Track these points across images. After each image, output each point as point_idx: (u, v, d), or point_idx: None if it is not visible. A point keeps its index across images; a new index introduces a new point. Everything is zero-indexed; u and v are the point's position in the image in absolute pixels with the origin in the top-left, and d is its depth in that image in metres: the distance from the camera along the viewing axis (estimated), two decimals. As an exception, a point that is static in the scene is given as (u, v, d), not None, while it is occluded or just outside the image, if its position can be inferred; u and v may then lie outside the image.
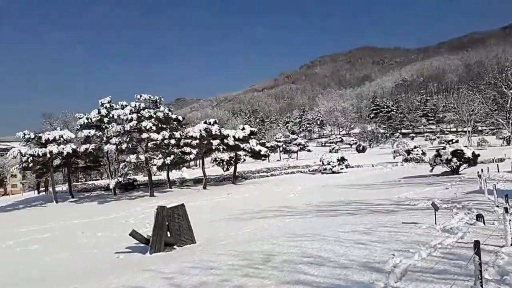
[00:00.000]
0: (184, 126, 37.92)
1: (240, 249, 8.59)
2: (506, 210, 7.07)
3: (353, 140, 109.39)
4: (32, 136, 32.76)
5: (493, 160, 41.53)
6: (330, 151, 77.66)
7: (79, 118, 34.59)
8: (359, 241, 8.01)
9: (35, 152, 31.19)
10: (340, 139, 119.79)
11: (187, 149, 32.12)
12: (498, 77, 55.61)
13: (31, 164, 31.96)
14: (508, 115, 53.81)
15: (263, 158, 41.90)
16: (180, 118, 36.08)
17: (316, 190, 26.99)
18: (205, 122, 35.76)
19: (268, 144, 76.30)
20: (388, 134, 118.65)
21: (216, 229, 13.82)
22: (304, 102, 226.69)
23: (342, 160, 43.69)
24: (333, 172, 41.93)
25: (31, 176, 54.01)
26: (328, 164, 42.62)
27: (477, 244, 4.38)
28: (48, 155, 31.65)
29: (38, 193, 46.82)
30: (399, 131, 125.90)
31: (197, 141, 32.86)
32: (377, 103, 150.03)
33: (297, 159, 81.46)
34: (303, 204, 18.36)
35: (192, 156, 33.65)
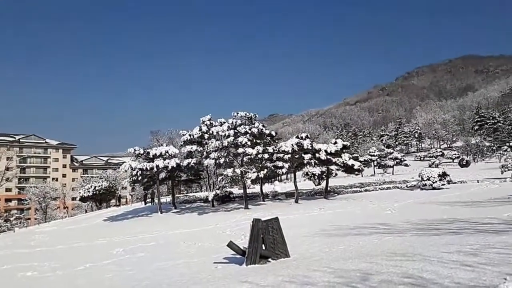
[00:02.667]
0: (276, 141, 38.71)
1: (335, 266, 8.49)
2: None
3: (455, 154, 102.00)
4: (141, 151, 35.91)
5: None
6: (429, 166, 73.45)
7: (183, 134, 37.33)
8: (465, 262, 7.52)
9: (144, 166, 34.08)
10: (440, 153, 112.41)
11: (280, 163, 32.67)
12: None
13: (139, 177, 34.89)
14: None
15: (356, 172, 40.90)
16: (273, 133, 36.89)
17: (414, 207, 25.66)
18: (297, 137, 36.04)
19: (361, 159, 74.40)
20: (494, 148, 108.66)
21: (309, 244, 13.79)
22: (400, 114, 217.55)
23: (443, 175, 41.01)
24: (434, 188, 39.53)
25: (139, 188, 58.65)
26: (428, 179, 40.27)
27: None
28: (155, 169, 34.35)
29: (145, 204, 50.46)
30: (507, 144, 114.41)
31: (289, 155, 33.24)
32: (482, 114, 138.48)
33: (393, 174, 78.19)
34: (401, 222, 17.57)
35: (284, 170, 34.09)
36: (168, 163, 34.36)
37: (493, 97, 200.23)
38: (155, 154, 35.31)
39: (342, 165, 37.01)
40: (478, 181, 46.07)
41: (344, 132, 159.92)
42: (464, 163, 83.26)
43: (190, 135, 36.34)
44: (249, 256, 10.97)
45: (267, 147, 33.09)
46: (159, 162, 34.19)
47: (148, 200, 51.28)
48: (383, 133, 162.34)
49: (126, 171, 35.85)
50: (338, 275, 7.54)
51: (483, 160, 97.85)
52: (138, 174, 34.05)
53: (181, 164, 35.21)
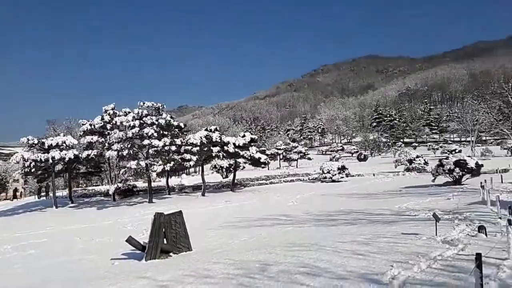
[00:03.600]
0: (185, 133, 37.90)
1: (236, 258, 8.47)
2: (509, 222, 6.91)
3: (354, 149, 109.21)
4: (36, 141, 32.80)
5: (497, 170, 41.26)
6: (330, 160, 77.65)
7: (83, 124, 34.68)
8: (357, 251, 7.86)
9: (38, 157, 31.17)
10: (341, 148, 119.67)
11: (187, 156, 32.00)
12: (504, 87, 55.59)
13: (33, 169, 31.92)
14: (513, 125, 53.87)
15: (262, 165, 41.69)
16: (182, 125, 36.06)
17: (315, 198, 26.80)
18: (206, 129, 35.67)
19: (268, 152, 76.25)
20: (390, 143, 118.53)
21: (213, 237, 13.65)
22: (305, 110, 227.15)
23: (342, 168, 43.49)
24: (333, 181, 41.74)
25: (33, 181, 53.84)
26: (328, 172, 42.42)
27: (479, 257, 4.23)
28: (50, 161, 31.62)
29: (39, 198, 46.67)
30: (401, 140, 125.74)
31: (198, 148, 32.74)
32: (380, 111, 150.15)
33: (297, 167, 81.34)
34: (302, 213, 18.18)
35: (192, 163, 33.51)
36: (65, 154, 31.80)
37: (391, 96, 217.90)
38: (51, 144, 32.51)
39: (249, 158, 37.40)
40: (374, 175, 49.57)
41: (253, 125, 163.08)
42: (362, 158, 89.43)
43: (91, 125, 33.89)
44: (149, 251, 10.51)
45: (175, 139, 32.20)
46: (55, 153, 31.51)
47: (42, 194, 47.43)
48: (289, 127, 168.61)
49: (18, 162, 32.51)
50: (238, 266, 7.52)
51: (380, 155, 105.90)
52: (32, 165, 31.11)
53: (80, 155, 32.80)
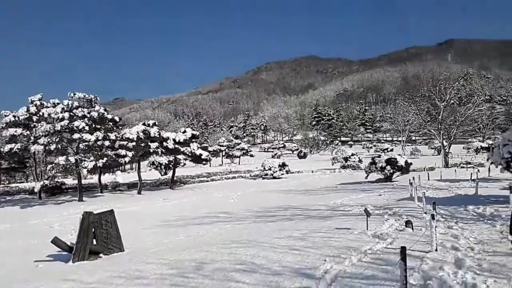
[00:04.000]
0: (121, 127, 36.41)
1: (171, 258, 8.24)
2: (432, 216, 7.26)
3: (295, 146, 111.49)
4: None
5: (424, 168, 43.74)
6: (272, 157, 78.49)
7: (5, 115, 32.03)
8: (293, 247, 7.93)
9: None
10: (282, 145, 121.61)
11: (123, 152, 30.65)
12: (432, 90, 59.37)
13: None
14: (439, 126, 57.46)
15: (204, 162, 41.26)
16: (117, 118, 34.53)
17: (256, 195, 26.94)
18: (144, 124, 34.52)
19: (210, 148, 75.93)
20: (328, 141, 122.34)
21: (149, 237, 13.22)
22: (249, 107, 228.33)
23: (283, 165, 44.15)
24: (274, 178, 42.25)
25: None
26: (270, 169, 42.90)
27: (403, 250, 4.36)
28: (-33, 155, 29.08)
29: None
30: (338, 138, 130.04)
31: (134, 143, 31.53)
32: (319, 111, 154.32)
33: (239, 164, 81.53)
34: (242, 210, 18.16)
35: (127, 159, 32.10)
36: (-18, 148, 29.36)
37: (330, 96, 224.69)
38: (-31, 137, 29.95)
39: (190, 154, 36.80)
40: (312, 172, 50.83)
41: (195, 121, 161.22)
42: (302, 155, 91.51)
43: (14, 116, 31.29)
44: (77, 252, 9.94)
45: (109, 134, 30.66)
46: (-27, 147, 29.08)
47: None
48: (232, 124, 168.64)
49: None
50: (172, 266, 7.31)
51: (319, 152, 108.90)
52: None
53: (2, 149, 30.43)
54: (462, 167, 47.45)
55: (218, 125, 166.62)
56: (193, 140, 37.88)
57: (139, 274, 6.96)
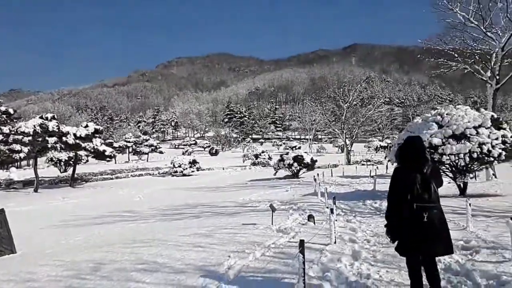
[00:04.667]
0: (15, 120, 33.40)
1: (67, 259, 7.64)
2: (331, 211, 7.61)
3: (207, 143, 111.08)
4: None
5: (328, 165, 46.22)
6: (183, 154, 77.52)
7: None
8: (198, 244, 7.81)
9: None
10: (194, 142, 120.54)
11: (17, 147, 28.17)
12: (336, 92, 63.01)
13: None
14: (343, 126, 61.17)
15: (108, 159, 39.26)
16: (11, 110, 31.74)
17: (164, 193, 26.34)
18: (41, 117, 31.96)
19: (116, 144, 72.55)
20: (240, 139, 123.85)
21: (45, 237, 12.23)
22: (159, 102, 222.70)
23: (193, 162, 43.76)
24: (184, 175, 41.72)
25: None
26: (179, 166, 42.26)
27: (301, 243, 4.48)
28: None
29: None
30: (250, 136, 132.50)
31: (30, 137, 29.07)
32: (232, 108, 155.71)
33: (147, 161, 79.22)
34: (148, 208, 17.61)
35: (22, 155, 29.57)
36: None
37: (242, 94, 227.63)
38: None
39: (93, 150, 34.86)
40: (223, 168, 51.13)
41: (99, 115, 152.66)
42: (214, 152, 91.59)
43: None
44: (-42, 258, 8.87)
45: (2, 127, 28.09)
46: None
47: None
48: (141, 119, 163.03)
49: None
50: (68, 267, 6.80)
51: (230, 149, 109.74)
52: None
53: None
54: (363, 165, 50.97)
55: (125, 120, 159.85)
56: (97, 135, 35.94)
57: (30, 277, 6.36)
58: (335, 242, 7.35)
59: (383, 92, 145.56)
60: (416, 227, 4.12)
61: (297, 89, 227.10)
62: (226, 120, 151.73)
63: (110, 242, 9.64)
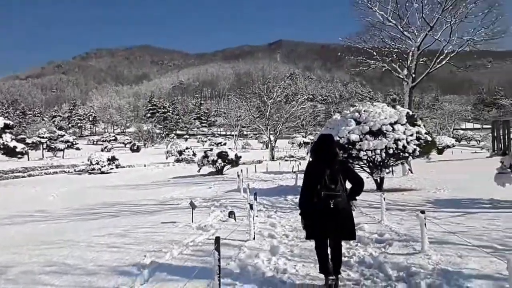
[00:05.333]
0: None
1: (-31, 264, 7.00)
2: (251, 206, 7.74)
3: (128, 139, 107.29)
4: None
5: (253, 161, 46.86)
6: (102, 150, 74.14)
7: None
8: (113, 244, 7.54)
9: None
10: (114, 138, 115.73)
11: None
12: (261, 88, 63.90)
13: None
14: (267, 122, 62.24)
15: (19, 156, 36.46)
16: None
17: (80, 192, 25.02)
18: None
19: (28, 140, 67.74)
20: (163, 135, 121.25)
21: None
22: (76, 95, 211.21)
23: (113, 159, 42.09)
24: (102, 173, 40.00)
25: None
26: (97, 163, 40.41)
27: (217, 240, 4.50)
28: None
29: None
30: (174, 132, 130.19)
31: None
32: (154, 103, 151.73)
33: (63, 157, 74.72)
34: (61, 208, 16.61)
35: None
36: None
37: (166, 88, 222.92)
38: None
39: (2, 147, 32.20)
40: (145, 166, 49.76)
41: (11, 109, 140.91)
42: (136, 149, 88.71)
43: None
44: None
45: None
46: None
47: None
48: (56, 113, 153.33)
49: None
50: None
51: (153, 146, 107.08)
52: None
53: None
54: (286, 160, 52.38)
55: (39, 115, 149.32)
56: (7, 130, 33.24)
57: None
58: (254, 238, 7.46)
59: (307, 89, 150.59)
60: (324, 213, 4.61)
61: (222, 84, 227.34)
62: (148, 115, 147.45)
63: (18, 244, 8.99)
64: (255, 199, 10.82)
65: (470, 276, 4.70)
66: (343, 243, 5.05)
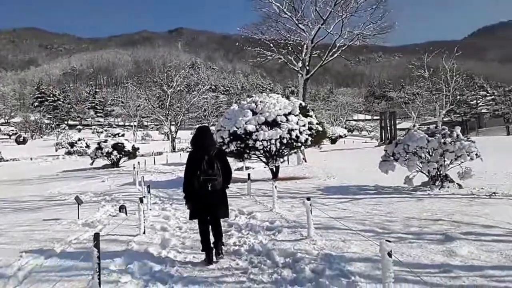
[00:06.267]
0: None
1: None
2: (141, 200, 7.49)
3: (12, 130, 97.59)
4: None
5: (152, 153, 45.56)
6: (-20, 142, 66.61)
7: None
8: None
9: None
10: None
11: None
12: (160, 76, 62.06)
13: None
14: (167, 112, 60.74)
15: None
16: None
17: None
18: None
19: None
20: (54, 125, 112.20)
21: None
22: None
23: (-7, 152, 38.02)
24: (-19, 167, 35.94)
25: None
26: (-26, 157, 36.19)
27: (96, 236, 4.31)
28: None
29: None
30: (66, 122, 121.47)
31: None
32: (43, 90, 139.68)
33: None
34: None
35: None
36: None
37: (56, 75, 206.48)
38: None
39: None
40: (31, 159, 45.79)
41: None
42: (21, 140, 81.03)
43: None
44: None
45: None
46: None
47: None
48: None
49: None
50: None
51: (42, 137, 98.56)
52: None
53: None
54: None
55: None
56: None
57: None
58: (144, 232, 7.27)
59: (209, 79, 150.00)
60: (203, 195, 5.36)
61: (120, 71, 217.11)
62: (36, 104, 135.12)
63: None
64: (149, 191, 10.57)
65: (351, 259, 4.97)
66: (234, 231, 6.07)
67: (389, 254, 3.53)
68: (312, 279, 4.43)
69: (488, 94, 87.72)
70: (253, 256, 5.53)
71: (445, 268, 4.55)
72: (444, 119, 60.58)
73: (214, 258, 5.44)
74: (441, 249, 5.30)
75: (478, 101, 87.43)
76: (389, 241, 3.58)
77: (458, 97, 68.09)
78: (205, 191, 5.32)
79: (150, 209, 9.95)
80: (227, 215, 5.84)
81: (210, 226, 5.62)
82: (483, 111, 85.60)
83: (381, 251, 3.58)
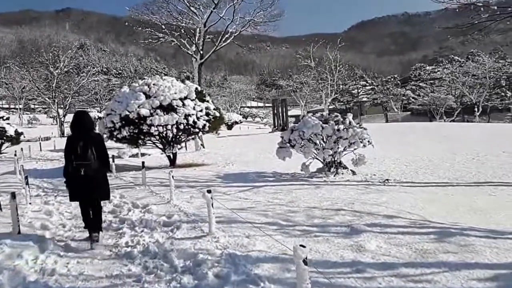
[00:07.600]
0: None
1: None
2: (13, 195, 6.35)
3: None
4: None
5: (39, 138, 41.36)
6: None
7: None
8: None
9: None
10: None
11: None
12: (46, 57, 56.73)
13: None
14: (54, 94, 55.65)
15: None
16: None
17: None
18: None
19: None
20: None
21: None
22: None
23: None
24: None
25: None
26: None
27: None
28: None
29: None
30: None
31: None
32: None
33: None
34: None
35: None
36: None
37: None
38: None
39: None
40: None
41: None
42: None
43: None
44: None
45: None
46: None
47: None
48: None
49: None
50: None
51: None
52: None
53: None
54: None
55: None
56: None
57: None
58: (19, 232, 6.18)
59: (100, 61, 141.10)
60: (76, 179, 5.57)
61: (3, 51, 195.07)
62: None
63: None
64: (27, 183, 9.33)
65: (257, 259, 4.55)
66: (126, 229, 6.20)
67: (305, 262, 3.04)
68: (216, 287, 3.99)
69: (367, 84, 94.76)
70: (148, 260, 4.83)
71: (357, 266, 4.25)
72: (330, 107, 64.32)
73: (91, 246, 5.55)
74: (349, 243, 5.04)
75: (359, 90, 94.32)
76: (304, 246, 3.09)
77: (342, 86, 73.68)
78: (78, 175, 5.48)
79: (30, 203, 8.77)
80: (107, 197, 6.12)
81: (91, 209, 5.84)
82: (364, 99, 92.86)
83: (295, 258, 3.11)
